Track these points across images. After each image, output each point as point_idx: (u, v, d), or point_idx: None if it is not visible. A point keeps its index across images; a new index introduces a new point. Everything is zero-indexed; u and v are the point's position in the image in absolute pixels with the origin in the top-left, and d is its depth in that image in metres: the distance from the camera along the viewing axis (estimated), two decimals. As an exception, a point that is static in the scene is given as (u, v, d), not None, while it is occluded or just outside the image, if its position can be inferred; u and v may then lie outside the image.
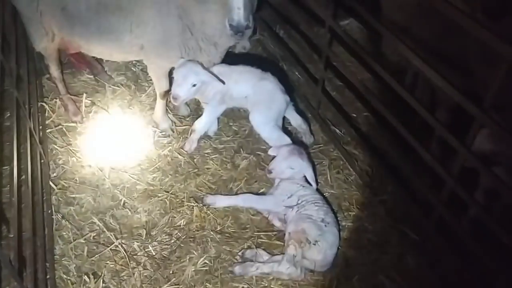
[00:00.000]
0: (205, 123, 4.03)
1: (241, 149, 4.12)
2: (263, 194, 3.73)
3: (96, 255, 3.29)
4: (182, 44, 3.69)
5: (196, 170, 3.94)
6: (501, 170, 2.82)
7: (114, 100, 4.56)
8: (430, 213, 3.25)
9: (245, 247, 3.38)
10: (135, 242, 3.38)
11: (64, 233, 3.42)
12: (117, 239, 3.39)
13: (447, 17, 2.62)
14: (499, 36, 2.28)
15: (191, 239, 3.42)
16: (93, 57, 4.51)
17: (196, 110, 4.49)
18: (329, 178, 3.88)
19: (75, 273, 3.18)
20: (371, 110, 3.83)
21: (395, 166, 3.67)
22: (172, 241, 3.41)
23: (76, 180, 3.80)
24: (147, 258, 3.29)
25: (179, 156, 4.03)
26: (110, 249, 3.33)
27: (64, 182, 3.77)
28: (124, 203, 3.65)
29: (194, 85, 3.67)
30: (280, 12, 5.10)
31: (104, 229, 3.44)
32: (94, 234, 3.43)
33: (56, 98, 4.44)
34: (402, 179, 3.62)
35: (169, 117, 4.34)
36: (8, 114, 3.84)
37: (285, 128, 4.19)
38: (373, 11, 3.47)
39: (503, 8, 2.75)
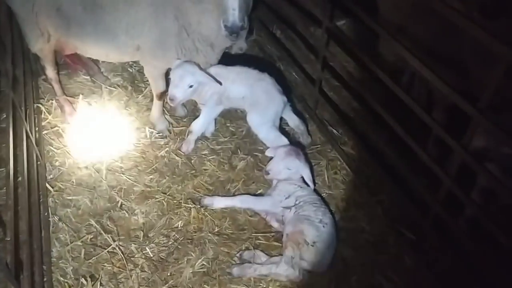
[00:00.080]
0: (202, 124, 4.02)
1: (239, 150, 4.12)
2: (260, 195, 3.72)
3: (93, 257, 3.28)
4: (179, 45, 3.68)
5: (193, 171, 3.93)
6: (494, 166, 2.83)
7: (110, 101, 4.55)
8: (427, 213, 3.26)
9: (243, 248, 3.37)
10: (132, 244, 3.37)
11: (61, 236, 3.40)
12: (114, 241, 3.38)
13: (443, 17, 2.62)
14: (495, 36, 2.28)
15: (189, 241, 3.41)
16: (89, 58, 4.49)
17: (193, 111, 4.48)
18: (326, 178, 3.88)
19: (72, 276, 3.17)
20: (368, 110, 3.83)
21: (392, 166, 3.66)
22: (170, 242, 3.40)
23: (72, 181, 3.79)
24: (144, 260, 3.28)
25: (176, 157, 4.02)
26: (107, 251, 3.32)
27: (61, 184, 3.75)
28: (121, 205, 3.64)
29: (190, 86, 3.67)
30: (277, 12, 5.09)
31: (101, 231, 3.43)
32: (91, 236, 3.41)
33: (52, 100, 4.43)
34: (399, 179, 3.62)
35: (166, 118, 4.33)
36: (4, 116, 3.84)
37: (283, 128, 4.20)
38: (370, 11, 3.47)
39: (499, 8, 2.76)
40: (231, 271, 3.21)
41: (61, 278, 3.15)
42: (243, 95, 3.94)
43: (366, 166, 3.93)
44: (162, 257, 3.32)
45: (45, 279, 3.06)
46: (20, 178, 3.38)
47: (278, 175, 3.56)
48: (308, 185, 3.55)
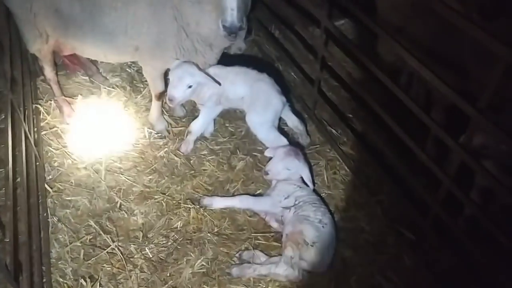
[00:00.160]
0: (201, 125, 4.02)
1: (238, 150, 4.11)
2: (260, 195, 3.72)
3: (93, 258, 3.28)
4: (177, 45, 3.68)
5: (192, 171, 3.93)
6: (491, 164, 2.83)
7: (109, 101, 4.54)
8: (427, 213, 3.26)
9: (242, 248, 3.37)
10: (131, 245, 3.37)
11: (60, 236, 3.40)
12: (113, 241, 3.37)
13: (442, 18, 2.62)
14: (495, 37, 2.28)
15: (188, 241, 3.41)
16: (88, 58, 4.48)
17: (192, 111, 4.48)
18: (325, 178, 3.88)
19: (71, 277, 3.16)
20: (367, 110, 3.83)
21: (392, 166, 3.67)
22: (169, 243, 3.40)
23: (71, 182, 3.78)
24: (144, 261, 3.28)
25: (175, 158, 4.02)
26: (107, 252, 3.31)
27: (60, 185, 3.74)
28: (120, 205, 3.63)
29: (189, 87, 3.66)
30: (275, 12, 5.09)
31: (101, 232, 3.42)
32: (90, 237, 3.41)
33: (51, 100, 4.42)
34: (398, 179, 3.62)
35: (164, 119, 4.32)
36: (3, 117, 3.83)
37: (281, 129, 4.20)
38: (368, 11, 3.47)
39: (498, 9, 2.76)
40: (230, 272, 3.21)
41: (60, 279, 3.15)
42: (242, 96, 3.94)
43: (366, 166, 3.93)
44: (161, 257, 3.32)
45: (44, 280, 3.05)
46: (19, 179, 3.38)
47: (277, 175, 3.56)
48: (307, 185, 3.55)
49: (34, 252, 3.04)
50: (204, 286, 3.16)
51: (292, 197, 3.44)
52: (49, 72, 4.20)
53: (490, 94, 2.45)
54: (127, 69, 4.89)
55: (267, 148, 3.87)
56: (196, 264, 3.26)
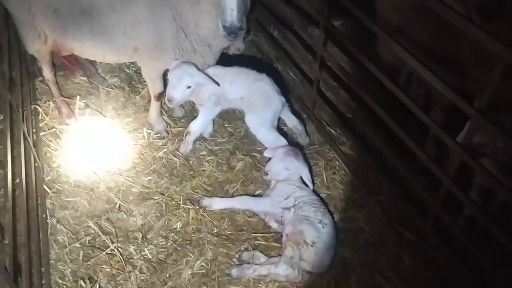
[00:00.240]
0: (200, 125, 4.01)
1: (237, 151, 4.11)
2: (259, 195, 3.72)
3: (92, 259, 3.27)
4: (176, 46, 3.67)
5: (191, 172, 3.92)
6: (488, 162, 2.83)
7: (108, 102, 4.54)
8: (427, 213, 3.26)
9: (242, 249, 3.37)
10: (131, 246, 3.36)
11: (59, 238, 3.39)
12: (112, 242, 3.37)
13: (442, 18, 2.62)
14: (495, 37, 2.28)
15: (188, 242, 3.41)
16: (86, 59, 4.48)
17: (191, 111, 4.47)
18: (325, 179, 3.88)
19: (70, 278, 3.16)
20: (366, 111, 3.83)
21: (391, 166, 3.66)
22: (169, 244, 3.40)
23: (70, 183, 3.77)
24: (143, 262, 3.27)
25: (175, 158, 4.01)
26: (106, 253, 3.31)
27: (59, 186, 3.74)
28: (119, 206, 3.62)
29: (188, 87, 3.66)
30: (274, 12, 5.08)
31: (100, 233, 3.42)
32: (90, 238, 3.40)
33: (50, 101, 4.41)
34: (398, 179, 3.62)
35: (163, 119, 4.32)
36: (1, 117, 3.81)
37: (281, 129, 4.19)
38: (368, 11, 3.46)
39: (497, 8, 2.76)
40: (230, 272, 3.20)
41: (60, 281, 3.14)
42: (241, 96, 3.93)
43: (365, 166, 3.93)
44: (161, 258, 3.32)
45: (43, 281, 3.05)
46: (17, 180, 3.36)
47: (276, 175, 3.55)
48: (307, 186, 3.54)
49: (33, 253, 3.03)
50: (204, 287, 3.16)
51: (292, 198, 3.43)
52: (47, 72, 4.19)
53: (490, 94, 2.44)
54: (126, 70, 4.89)
55: (266, 148, 3.86)
56: (196, 265, 3.26)
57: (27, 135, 3.73)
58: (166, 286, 3.15)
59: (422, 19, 3.23)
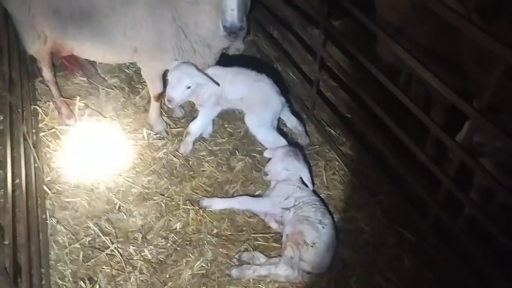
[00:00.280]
0: (200, 125, 4.01)
1: (237, 151, 4.11)
2: (259, 196, 3.72)
3: (92, 260, 3.27)
4: (176, 46, 3.67)
5: (191, 172, 3.92)
6: (487, 162, 2.83)
7: (107, 102, 4.53)
8: (427, 213, 3.26)
9: (242, 249, 3.37)
10: (131, 246, 3.36)
11: (59, 238, 3.39)
12: (112, 243, 3.36)
13: (441, 18, 2.62)
14: (495, 38, 2.28)
15: (188, 243, 3.41)
16: (86, 59, 4.48)
17: (190, 112, 4.47)
18: (325, 179, 3.88)
19: (70, 279, 3.16)
20: (366, 111, 3.82)
21: (391, 167, 3.66)
22: (168, 244, 3.40)
23: (70, 184, 3.77)
24: (143, 262, 3.27)
25: (174, 159, 4.01)
26: (106, 253, 3.31)
27: (59, 186, 3.73)
28: (119, 207, 3.62)
29: (188, 88, 3.65)
30: (274, 13, 5.08)
31: (100, 234, 3.42)
32: (90, 238, 3.40)
33: (49, 101, 4.40)
34: (397, 180, 3.62)
35: (163, 119, 4.32)
36: (1, 118, 3.81)
37: (281, 129, 4.19)
38: (367, 11, 3.46)
39: (497, 9, 2.76)
40: (230, 273, 3.20)
41: (60, 281, 3.14)
42: (241, 96, 3.93)
43: (365, 166, 3.93)
44: (160, 259, 3.32)
45: (43, 282, 3.05)
46: (17, 181, 3.36)
47: (276, 176, 3.55)
48: (307, 186, 3.54)
49: (33, 254, 3.03)
50: (204, 287, 3.16)
51: (292, 198, 3.43)
52: (47, 73, 4.19)
53: (490, 94, 2.44)
54: (126, 70, 4.88)
55: (266, 149, 3.86)
56: (196, 265, 3.26)
57: (26, 135, 3.73)
58: (166, 287, 3.15)
59: (422, 20, 3.23)
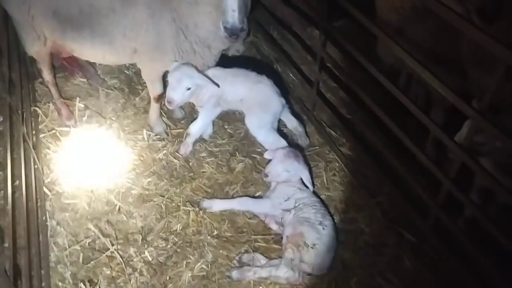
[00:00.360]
0: (200, 127, 4.00)
1: (237, 152, 4.10)
2: (259, 197, 3.71)
3: (92, 262, 3.26)
4: (176, 47, 3.67)
5: (191, 173, 3.91)
6: (487, 162, 2.83)
7: (107, 103, 4.53)
8: (427, 214, 3.26)
9: (242, 251, 3.36)
10: (131, 248, 3.35)
11: (59, 240, 3.38)
12: (112, 245, 3.36)
13: (442, 19, 2.62)
14: (496, 39, 2.27)
15: (188, 244, 3.40)
16: (86, 60, 4.47)
17: (190, 113, 4.47)
18: (325, 180, 3.88)
19: (70, 281, 3.15)
20: (366, 112, 3.82)
21: (391, 167, 3.66)
22: (169, 246, 3.39)
23: (70, 185, 3.75)
24: (143, 264, 3.27)
25: (174, 160, 4.00)
26: (106, 255, 3.30)
27: (58, 188, 3.72)
28: (119, 208, 3.61)
29: (188, 89, 3.65)
30: (273, 13, 5.08)
31: (100, 235, 3.41)
32: (90, 240, 3.39)
33: (49, 103, 4.39)
34: (398, 180, 3.62)
35: (163, 121, 4.31)
36: (1, 119, 3.80)
37: (281, 130, 4.18)
38: (367, 11, 3.45)
39: (498, 10, 2.76)
40: (230, 275, 3.20)
41: (60, 283, 3.13)
42: (241, 98, 3.93)
43: (365, 167, 3.92)
44: (161, 260, 3.31)
45: (43, 284, 3.04)
46: (17, 182, 3.36)
47: (277, 177, 3.55)
48: (307, 187, 3.54)
49: (33, 256, 3.03)
50: (204, 289, 3.16)
51: (292, 199, 3.43)
52: (47, 74, 4.18)
53: (491, 95, 2.44)
54: (125, 71, 4.87)
55: (266, 150, 3.85)
56: (196, 267, 3.25)
57: (26, 137, 3.73)
58: (166, 288, 3.15)
59: (422, 20, 3.22)
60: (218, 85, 3.77)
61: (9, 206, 2.93)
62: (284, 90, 4.30)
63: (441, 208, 3.09)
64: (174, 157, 4.02)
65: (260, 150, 4.06)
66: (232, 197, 3.72)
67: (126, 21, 3.54)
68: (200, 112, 4.03)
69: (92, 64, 4.74)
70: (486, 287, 2.89)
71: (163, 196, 3.70)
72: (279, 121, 4.13)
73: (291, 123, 4.15)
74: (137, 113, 4.44)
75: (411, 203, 3.46)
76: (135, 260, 3.30)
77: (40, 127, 4.21)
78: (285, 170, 3.51)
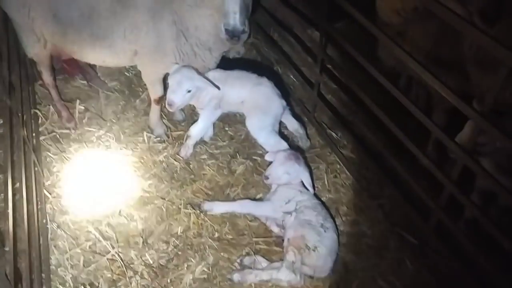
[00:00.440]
0: (201, 129, 3.99)
1: (237, 154, 4.09)
2: (260, 199, 3.70)
3: (93, 265, 3.25)
4: (176, 50, 3.66)
5: (192, 176, 3.90)
6: (488, 162, 2.82)
7: (107, 105, 4.52)
8: (429, 216, 3.24)
9: (243, 254, 3.35)
10: (131, 251, 3.34)
11: (60, 243, 3.36)
12: (113, 248, 3.34)
13: (445, 22, 2.61)
14: (498, 41, 2.27)
15: (189, 247, 3.39)
16: (86, 62, 4.46)
17: (191, 115, 4.45)
18: (326, 182, 3.87)
19: (71, 284, 3.13)
20: (367, 113, 3.81)
21: (392, 169, 3.65)
22: (170, 249, 3.38)
23: (70, 188, 3.74)
24: (144, 267, 3.25)
25: (175, 162, 3.99)
26: (107, 258, 3.28)
27: (59, 190, 3.71)
28: (119, 211, 3.60)
29: (189, 91, 3.63)
30: (274, 15, 5.07)
31: (100, 238, 3.39)
32: (90, 243, 3.38)
33: (49, 105, 4.38)
34: (399, 183, 3.60)
35: (164, 123, 4.30)
36: (1, 122, 3.79)
37: (281, 132, 4.17)
38: (368, 13, 3.44)
39: (499, 11, 2.75)
40: (231, 277, 3.18)
41: (60, 286, 3.12)
42: (242, 100, 3.92)
43: (366, 169, 3.92)
44: (162, 263, 3.30)
45: (44, 287, 3.02)
46: (17, 185, 3.35)
47: (277, 180, 3.54)
48: (307, 189, 3.53)
49: (33, 259, 3.02)
50: (205, 292, 3.15)
51: (293, 202, 3.42)
52: (47, 76, 4.17)
53: (493, 98, 2.43)
54: (126, 73, 4.86)
55: (267, 152, 3.84)
56: (197, 270, 3.24)
57: (27, 139, 3.72)
58: (167, 291, 3.14)
59: (423, 22, 3.22)
60: (218, 88, 3.76)
61: (10, 210, 2.92)
62: (284, 92, 4.29)
63: (443, 211, 3.08)
64: (175, 159, 4.01)
65: (261, 152, 4.05)
66: (233, 200, 3.71)
67: (126, 23, 3.53)
68: (201, 114, 4.02)
69: (92, 66, 4.73)
70: (488, 290, 2.89)
71: (164, 199, 3.69)
72: (280, 123, 4.11)
73: (292, 125, 4.14)
74: (137, 115, 4.43)
75: (412, 205, 3.45)
76: (136, 263, 3.28)
77: (40, 129, 4.20)
78: (285, 173, 3.50)
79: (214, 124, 4.21)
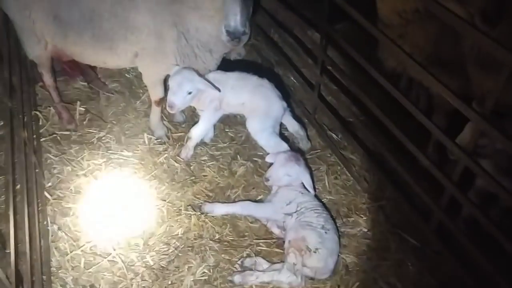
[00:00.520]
0: (201, 130, 3.99)
1: (238, 156, 4.09)
2: (261, 201, 3.70)
3: (93, 267, 3.24)
4: (177, 51, 3.66)
5: (193, 177, 3.90)
6: (487, 163, 2.82)
7: (108, 107, 4.51)
8: (430, 218, 3.24)
9: (244, 255, 3.35)
10: (132, 253, 3.34)
11: (60, 245, 3.36)
12: (114, 249, 3.34)
13: (445, 23, 2.61)
14: (500, 43, 2.27)
15: (190, 248, 3.38)
16: (87, 64, 4.46)
17: (191, 116, 4.45)
18: (327, 184, 3.86)
19: (72, 286, 3.13)
20: (368, 115, 3.81)
21: (393, 171, 3.65)
22: (170, 250, 3.37)
23: (71, 189, 3.74)
24: (145, 269, 3.25)
25: (176, 164, 3.99)
26: (107, 260, 3.28)
27: (59, 192, 3.71)
28: (120, 213, 3.58)
29: (189, 93, 3.64)
30: (274, 17, 5.07)
31: (101, 240, 3.39)
32: (91, 245, 3.37)
33: (50, 107, 4.38)
34: (400, 184, 3.60)
35: (164, 124, 4.29)
36: (2, 123, 3.79)
37: (282, 134, 4.16)
38: (369, 14, 3.45)
39: (500, 13, 2.75)
40: (232, 279, 3.18)
41: (61, 288, 3.12)
42: (243, 101, 3.91)
43: (367, 171, 3.91)
44: (162, 265, 3.29)
45: (45, 289, 3.03)
46: (18, 186, 3.35)
47: (278, 181, 3.54)
48: (308, 191, 3.52)
49: (34, 261, 3.02)
50: (206, 293, 3.14)
51: (294, 203, 3.42)
52: (48, 78, 4.18)
53: (494, 100, 2.43)
54: (126, 75, 4.86)
55: (267, 153, 3.84)
56: (198, 271, 3.23)
57: (27, 141, 3.72)
58: (168, 293, 3.13)
59: (424, 24, 3.22)
60: (219, 89, 3.76)
61: (11, 211, 2.92)
62: (285, 93, 4.29)
63: (444, 212, 3.08)
64: (175, 161, 4.00)
65: (261, 153, 4.05)
66: (234, 201, 3.71)
67: (127, 25, 3.53)
68: (201, 115, 4.02)
69: (93, 68, 4.73)
70: (490, 292, 2.88)
71: (165, 200, 3.69)
72: (281, 124, 4.11)
73: (292, 126, 4.14)
74: (138, 117, 4.43)
75: (413, 206, 3.44)
76: (136, 264, 3.28)
77: (41, 131, 4.20)
78: (286, 174, 3.50)
79: (214, 125, 4.21)
